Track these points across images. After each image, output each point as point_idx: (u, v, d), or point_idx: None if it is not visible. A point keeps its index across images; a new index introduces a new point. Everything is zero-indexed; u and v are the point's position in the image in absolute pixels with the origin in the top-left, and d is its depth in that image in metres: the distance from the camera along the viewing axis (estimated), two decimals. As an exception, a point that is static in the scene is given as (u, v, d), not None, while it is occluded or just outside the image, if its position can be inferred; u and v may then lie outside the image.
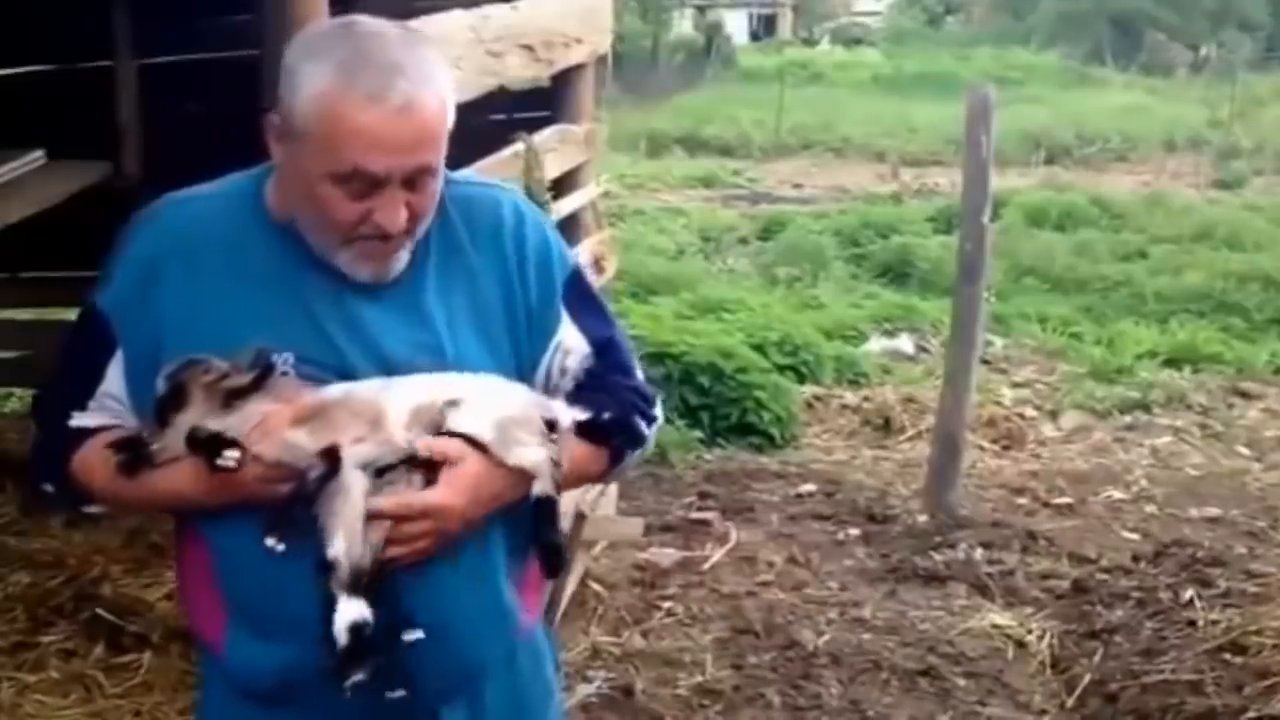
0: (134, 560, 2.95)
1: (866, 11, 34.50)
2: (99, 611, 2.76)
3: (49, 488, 1.29)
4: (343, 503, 1.17)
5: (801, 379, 5.60)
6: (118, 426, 1.26)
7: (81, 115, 3.09)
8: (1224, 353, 6.50)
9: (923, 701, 2.98)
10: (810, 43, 30.21)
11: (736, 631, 3.29)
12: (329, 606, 1.16)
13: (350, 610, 1.16)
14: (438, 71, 1.20)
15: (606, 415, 1.29)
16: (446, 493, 1.19)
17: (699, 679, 3.04)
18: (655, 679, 3.03)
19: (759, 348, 5.46)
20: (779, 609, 3.41)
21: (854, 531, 4.04)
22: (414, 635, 1.21)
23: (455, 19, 2.26)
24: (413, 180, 1.19)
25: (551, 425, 1.24)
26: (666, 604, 3.43)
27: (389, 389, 1.20)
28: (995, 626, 3.36)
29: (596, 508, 3.18)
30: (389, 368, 1.22)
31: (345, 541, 1.16)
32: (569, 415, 1.27)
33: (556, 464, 1.23)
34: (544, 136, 2.82)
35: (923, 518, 4.11)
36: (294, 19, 1.83)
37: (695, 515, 4.12)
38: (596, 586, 3.43)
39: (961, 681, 3.08)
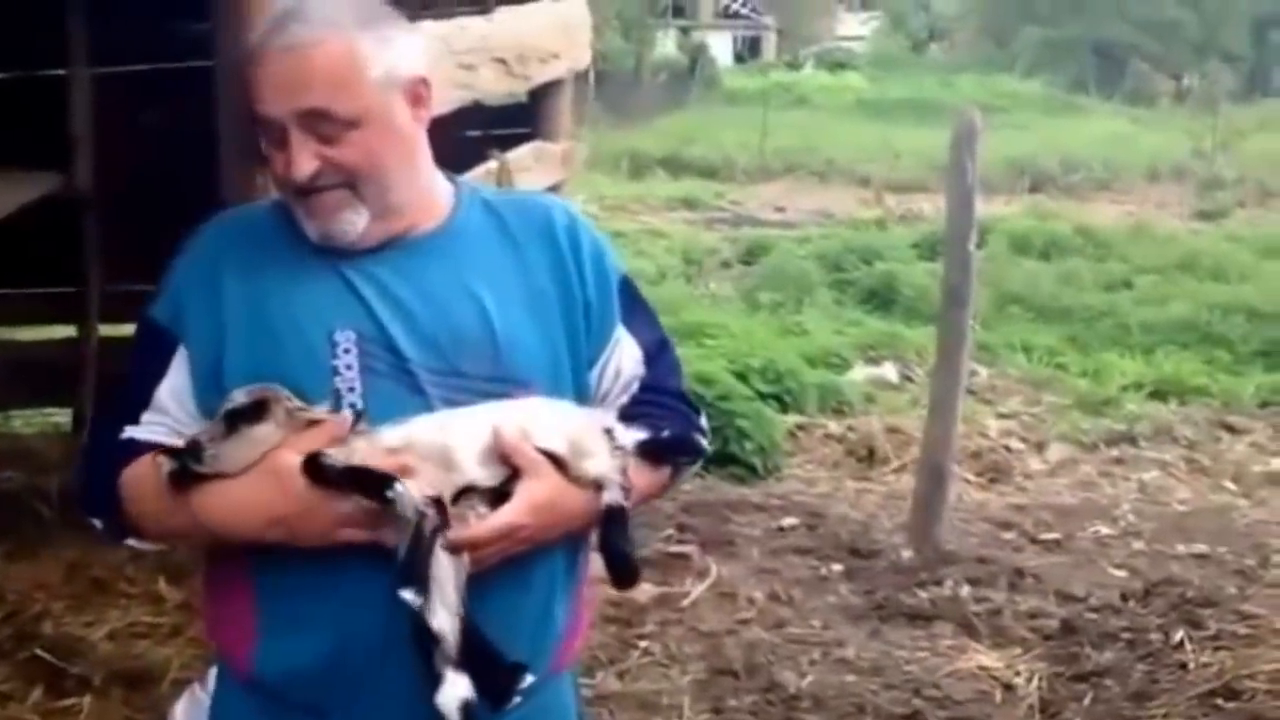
0: (75, 597, 2.85)
1: (851, 36, 34.82)
2: (38, 652, 2.65)
3: (97, 522, 1.26)
4: (438, 567, 1.14)
5: (784, 407, 5.52)
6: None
7: (32, 125, 2.97)
8: (1209, 385, 6.47)
9: (908, 748, 2.88)
10: (794, 66, 30.40)
11: (716, 672, 3.19)
12: (434, 681, 1.14)
13: (459, 687, 1.13)
14: (358, 19, 1.20)
15: (666, 434, 1.29)
16: (517, 511, 1.18)
17: (676, 723, 2.92)
18: (630, 723, 2.91)
19: (741, 375, 5.37)
20: (760, 648, 3.31)
21: (837, 567, 3.95)
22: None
23: (425, 29, 2.15)
24: (315, 127, 1.19)
25: (609, 433, 1.24)
26: (644, 643, 3.33)
27: (447, 429, 1.18)
28: (982, 668, 3.27)
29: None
30: (434, 346, 1.22)
31: (448, 614, 1.14)
32: (630, 436, 1.26)
33: (623, 471, 1.23)
34: (518, 154, 2.73)
35: (907, 553, 4.03)
36: (248, 27, 1.72)
37: (674, 549, 4.02)
38: (587, 625, 3.30)
39: (948, 727, 2.98)
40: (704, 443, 1.34)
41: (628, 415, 1.29)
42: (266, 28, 1.21)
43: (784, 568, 3.92)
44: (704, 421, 1.36)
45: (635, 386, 1.31)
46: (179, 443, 1.19)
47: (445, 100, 2.18)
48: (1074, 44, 26.91)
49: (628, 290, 1.34)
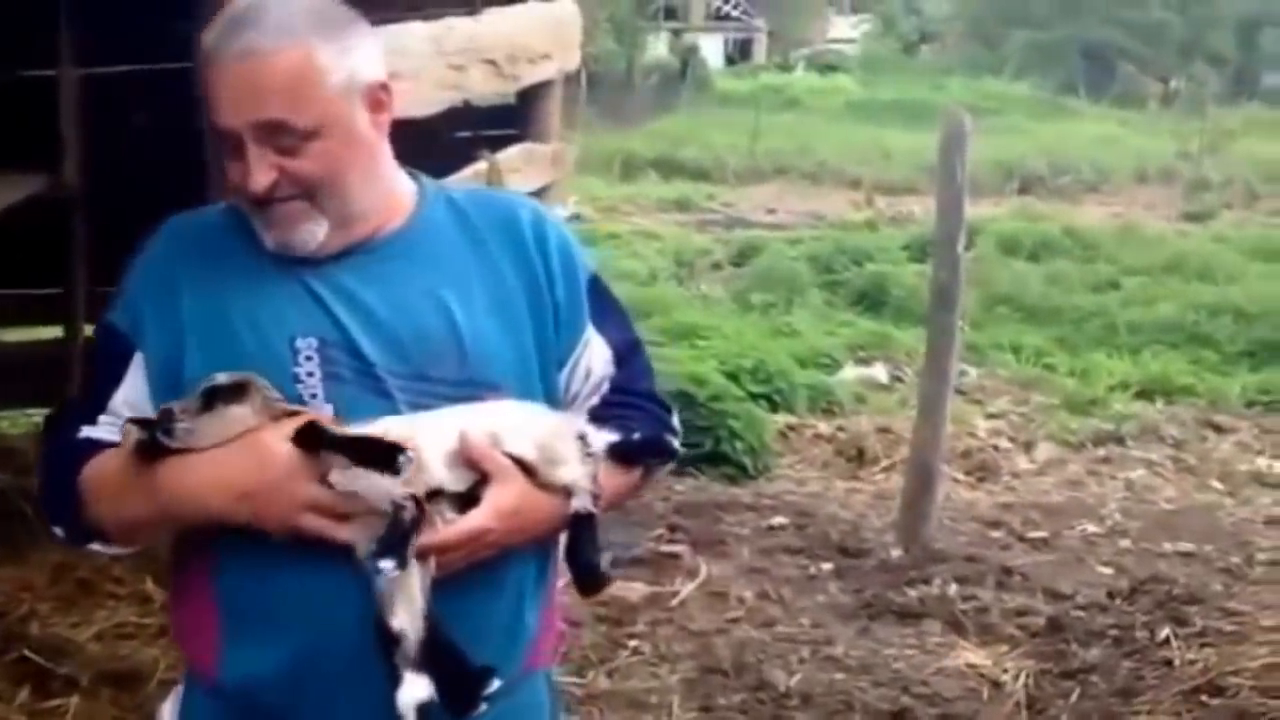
0: (62, 597, 2.83)
1: (841, 39, 34.89)
2: (26, 653, 2.63)
3: (59, 531, 1.24)
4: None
5: (775, 408, 5.54)
6: None
7: (20, 125, 2.96)
8: (1196, 385, 6.52)
9: (896, 745, 2.89)
10: (785, 68, 30.48)
11: (705, 671, 3.19)
12: (394, 682, 1.13)
13: (417, 688, 1.12)
14: (314, 24, 1.17)
15: (637, 435, 1.27)
16: (484, 516, 1.16)
17: (665, 722, 2.93)
18: (619, 722, 2.92)
19: (732, 375, 5.39)
20: (750, 647, 3.32)
21: (827, 566, 3.96)
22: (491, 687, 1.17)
23: (414, 30, 2.16)
24: (273, 138, 1.15)
25: (582, 439, 1.22)
26: (633, 642, 3.33)
27: (417, 430, 1.16)
28: (970, 666, 3.28)
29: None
30: (399, 350, 1.20)
31: (409, 614, 1.12)
32: (600, 438, 1.23)
33: (594, 478, 1.21)
34: (508, 155, 2.73)
35: (897, 552, 4.04)
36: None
37: (665, 548, 4.02)
38: (560, 624, 3.30)
39: (936, 724, 2.99)
40: (675, 443, 1.32)
41: (598, 416, 1.27)
42: (220, 30, 1.16)
43: (774, 567, 3.92)
44: (675, 421, 1.33)
45: (606, 387, 1.29)
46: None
47: (434, 101, 2.19)
48: (1063, 47, 27.03)
49: (596, 289, 1.31)
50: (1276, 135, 18.68)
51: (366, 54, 1.20)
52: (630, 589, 3.64)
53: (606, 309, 1.31)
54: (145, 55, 3.09)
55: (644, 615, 3.49)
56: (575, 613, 3.40)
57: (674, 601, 3.59)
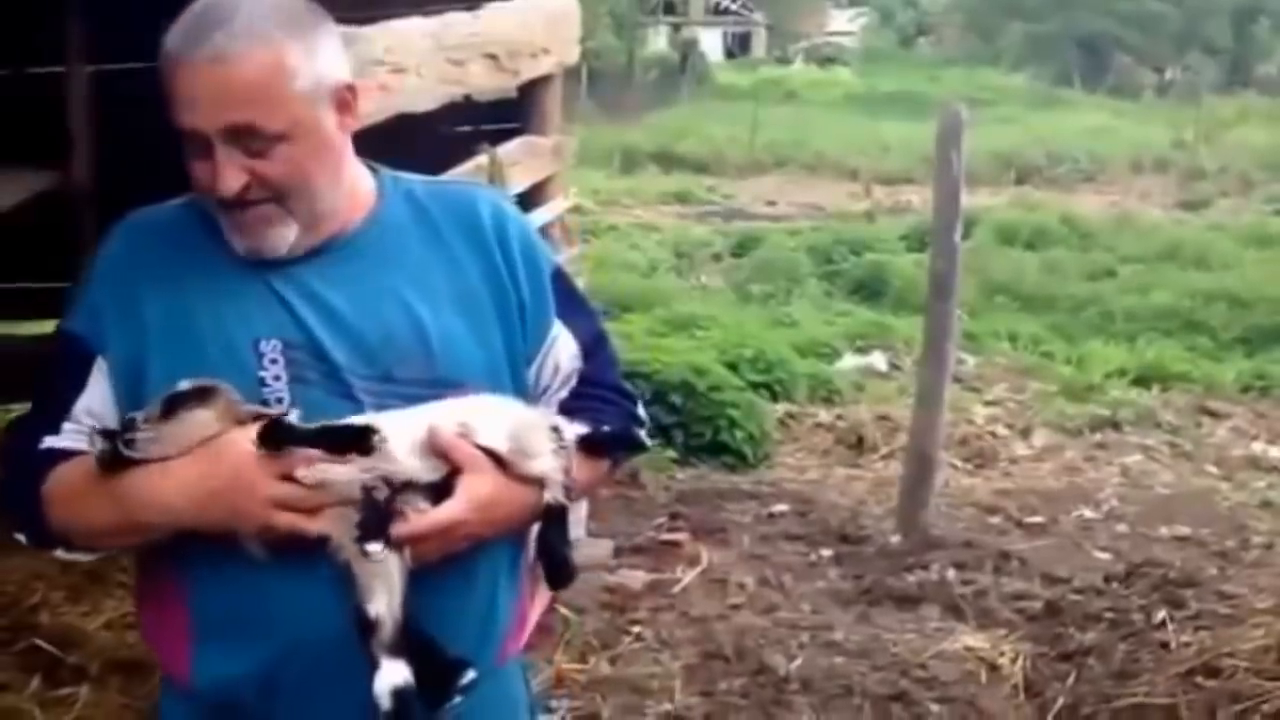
0: (72, 587, 2.84)
1: (840, 32, 34.90)
2: (36, 641, 2.65)
3: (21, 537, 1.22)
4: (380, 557, 1.13)
5: (775, 397, 5.58)
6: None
7: (30, 121, 2.98)
8: (1191, 371, 6.57)
9: (895, 728, 2.93)
10: (784, 61, 30.51)
11: (707, 656, 3.22)
12: (370, 668, 1.13)
13: (394, 673, 1.12)
14: (283, 25, 1.15)
15: (606, 428, 1.27)
16: (458, 507, 1.15)
17: (668, 706, 2.96)
18: (622, 707, 2.95)
19: (732, 365, 5.43)
20: (750, 633, 3.35)
21: (826, 552, 3.99)
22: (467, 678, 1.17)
23: (414, 25, 2.19)
24: (244, 142, 1.14)
25: (555, 431, 1.22)
26: (636, 628, 3.36)
27: (389, 423, 1.16)
28: (968, 649, 3.31)
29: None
30: (364, 351, 1.19)
31: (387, 601, 1.12)
32: (570, 430, 1.23)
33: (566, 471, 1.20)
34: (509, 149, 2.77)
35: (896, 538, 4.07)
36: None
37: (666, 536, 4.05)
38: (563, 611, 3.35)
39: (935, 707, 3.02)
40: (643, 435, 1.33)
41: (567, 409, 1.27)
42: (187, 29, 1.13)
43: (774, 554, 3.95)
44: (642, 412, 1.34)
45: (574, 380, 1.29)
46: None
47: (435, 95, 2.22)
48: (1058, 38, 27.04)
49: (560, 282, 1.30)
50: (1271, 124, 18.71)
51: (333, 55, 1.19)
52: (632, 576, 3.67)
53: (571, 302, 1.31)
54: (154, 52, 3.11)
55: (646, 602, 3.52)
56: (578, 600, 3.45)
57: (675, 589, 3.62)
